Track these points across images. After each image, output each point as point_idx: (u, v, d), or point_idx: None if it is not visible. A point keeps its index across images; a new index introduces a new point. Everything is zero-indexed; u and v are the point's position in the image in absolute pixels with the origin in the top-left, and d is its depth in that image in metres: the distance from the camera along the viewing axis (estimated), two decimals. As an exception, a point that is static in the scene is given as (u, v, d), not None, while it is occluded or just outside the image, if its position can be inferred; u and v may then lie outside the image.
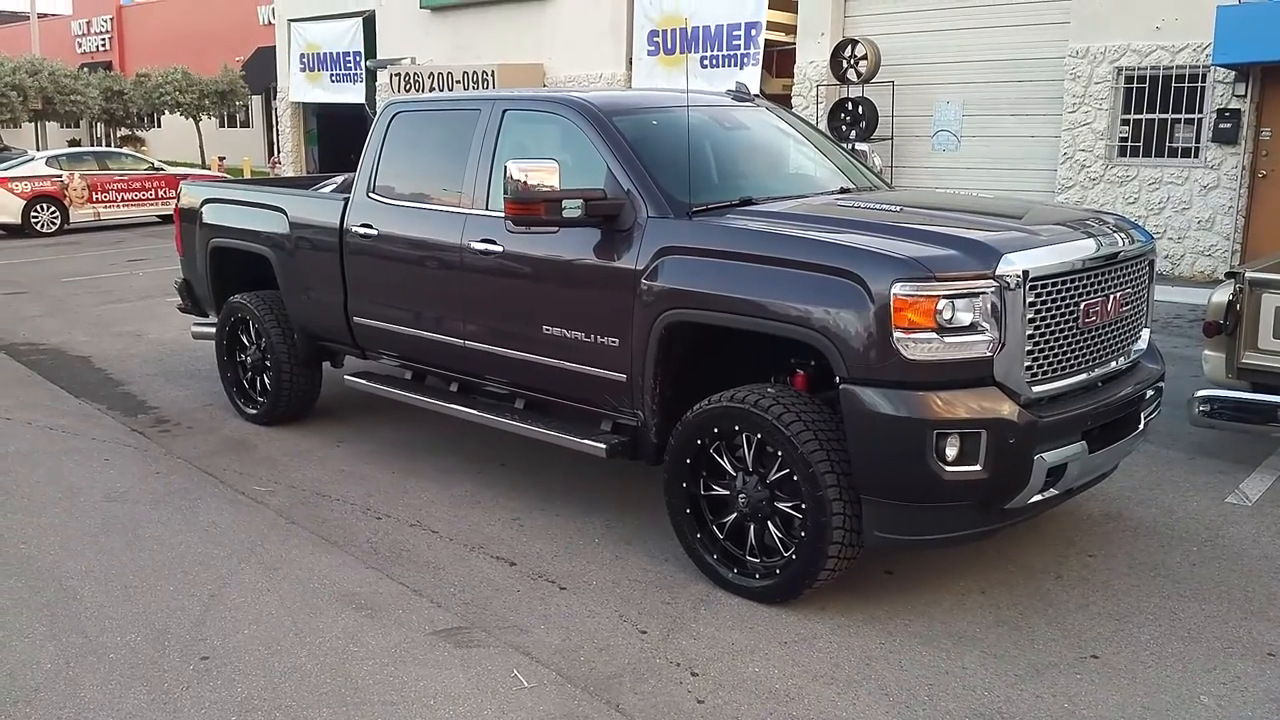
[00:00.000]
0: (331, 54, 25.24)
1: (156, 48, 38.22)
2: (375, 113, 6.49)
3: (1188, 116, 13.18)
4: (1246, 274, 5.92)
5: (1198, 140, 13.12)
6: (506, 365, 5.52)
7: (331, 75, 25.36)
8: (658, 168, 4.97)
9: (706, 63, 17.34)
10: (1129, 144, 13.71)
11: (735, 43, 17.08)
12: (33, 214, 19.46)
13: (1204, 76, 12.92)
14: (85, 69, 36.25)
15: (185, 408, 7.60)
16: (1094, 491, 5.30)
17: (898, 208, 5.12)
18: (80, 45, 44.38)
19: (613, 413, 5.11)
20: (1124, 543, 5.09)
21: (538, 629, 4.28)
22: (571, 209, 4.79)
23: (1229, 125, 12.62)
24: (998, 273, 4.03)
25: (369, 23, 24.19)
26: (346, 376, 6.62)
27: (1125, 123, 13.71)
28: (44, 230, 19.53)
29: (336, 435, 6.89)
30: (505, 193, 4.79)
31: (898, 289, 3.96)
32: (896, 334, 3.98)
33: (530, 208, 4.76)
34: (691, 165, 4.91)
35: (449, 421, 6.26)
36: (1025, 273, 4.09)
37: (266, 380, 7.08)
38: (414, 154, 6.17)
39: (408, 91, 21.07)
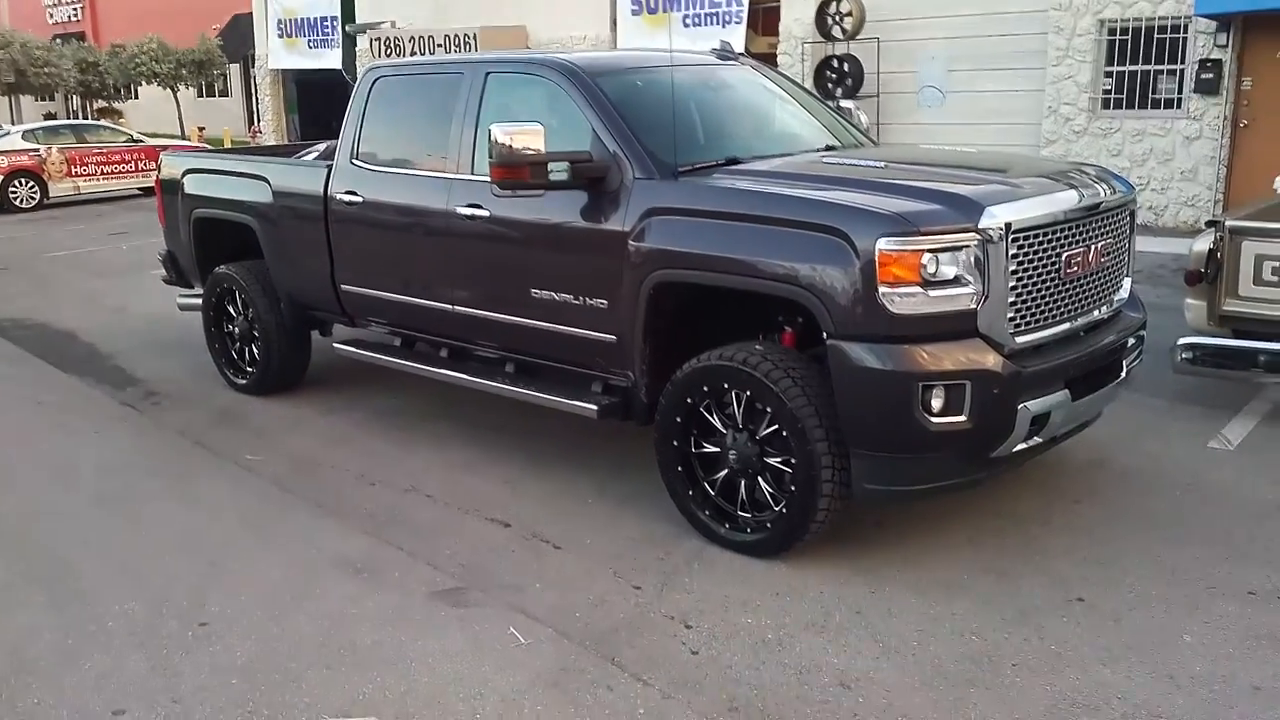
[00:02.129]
0: (309, 19, 24.98)
1: (130, 17, 37.69)
2: (354, 78, 6.45)
3: (1170, 68, 13.18)
4: (1226, 222, 5.97)
5: (1180, 91, 13.12)
6: (496, 329, 5.55)
7: (309, 41, 25.12)
8: (643, 129, 4.98)
9: (689, 21, 17.23)
10: (1112, 96, 13.71)
11: (718, 1, 16.96)
12: (11, 189, 19.28)
13: (1186, 28, 12.90)
14: (58, 40, 35.81)
15: (174, 379, 7.61)
16: (1080, 439, 5.36)
17: (882, 164, 5.14)
18: (51, 16, 43.74)
19: (603, 374, 5.15)
20: (1109, 489, 5.18)
21: (533, 588, 4.34)
22: (557, 172, 4.80)
23: (1211, 76, 12.63)
24: (980, 226, 4.07)
25: (347, -15, 23.94)
26: (336, 344, 6.63)
27: (1108, 75, 13.70)
28: (23, 206, 19.37)
29: (328, 404, 6.92)
30: (490, 157, 4.80)
31: (882, 244, 4.00)
32: (882, 289, 4.01)
33: (515, 171, 4.77)
34: (677, 125, 4.91)
35: (441, 387, 6.28)
36: (1007, 225, 4.13)
37: (255, 350, 7.08)
38: (397, 119, 6.15)
39: (388, 56, 20.88)
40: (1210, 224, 6.17)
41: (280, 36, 25.85)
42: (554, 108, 5.25)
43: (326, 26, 24.55)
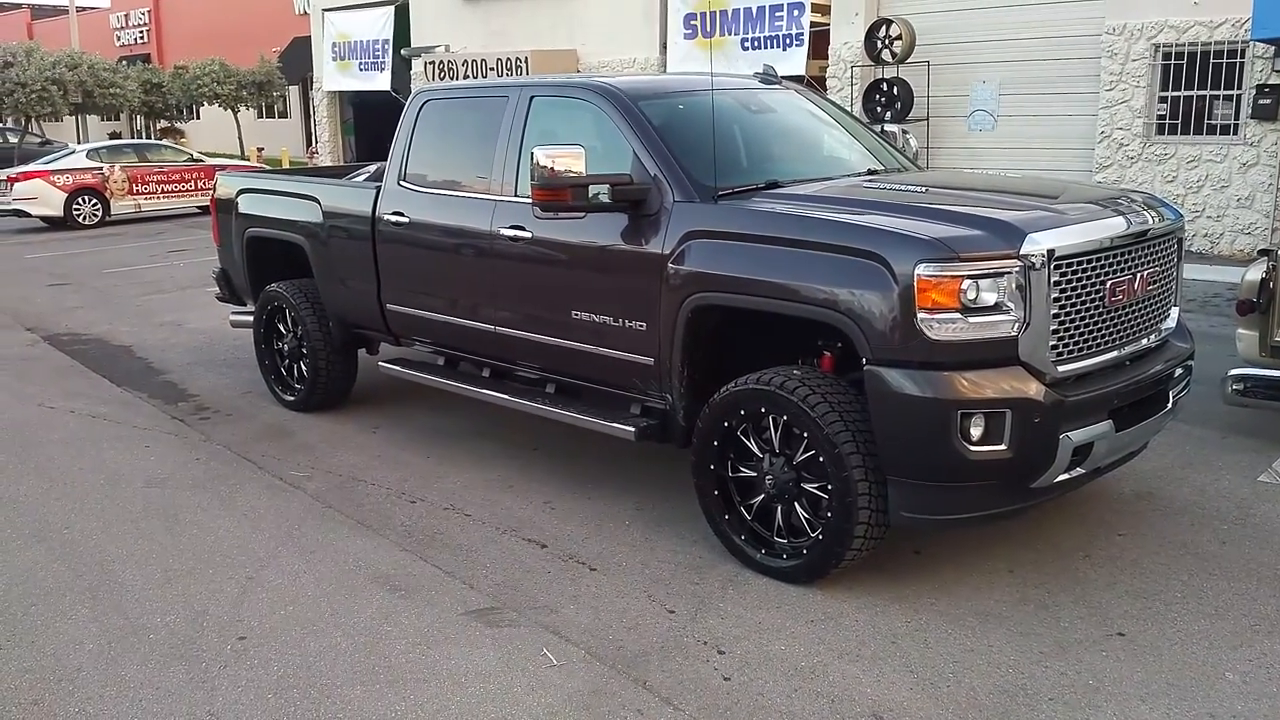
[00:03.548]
0: (361, 42, 25.37)
1: (194, 39, 38.66)
2: (406, 99, 6.55)
3: (1226, 93, 12.97)
4: (1279, 251, 5.86)
5: (1237, 117, 12.90)
6: (537, 350, 5.59)
7: (360, 64, 25.50)
8: (684, 152, 5.00)
9: (748, 45, 17.20)
10: (1167, 121, 13.51)
11: (778, 24, 16.92)
12: (74, 206, 19.77)
13: (1242, 52, 12.70)
14: (124, 62, 36.71)
15: (224, 395, 7.74)
16: (1125, 470, 5.28)
17: (923, 189, 5.12)
18: (119, 38, 44.96)
19: (642, 396, 5.16)
20: (1154, 521, 5.08)
21: (567, 609, 4.35)
22: (598, 194, 4.84)
23: (1268, 101, 12.40)
24: (1022, 252, 4.03)
25: (402, 11, 24.31)
26: (381, 363, 6.72)
27: (1163, 100, 13.51)
28: (86, 222, 19.85)
29: (372, 421, 6.99)
30: (532, 179, 4.85)
31: (921, 270, 3.98)
32: (920, 315, 3.99)
33: (557, 194, 4.81)
34: (717, 149, 4.93)
35: (483, 407, 6.33)
36: (1050, 252, 4.08)
37: (303, 367, 7.19)
38: (444, 141, 6.24)
39: (442, 79, 21.16)
40: (1263, 253, 6.06)
41: (334, 59, 26.29)
42: (596, 130, 5.30)
43: (378, 49, 24.92)
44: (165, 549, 5.03)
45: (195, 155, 22.30)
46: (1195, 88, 13.18)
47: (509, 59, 20.36)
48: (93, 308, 11.57)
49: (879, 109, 15.48)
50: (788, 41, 16.75)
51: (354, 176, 7.81)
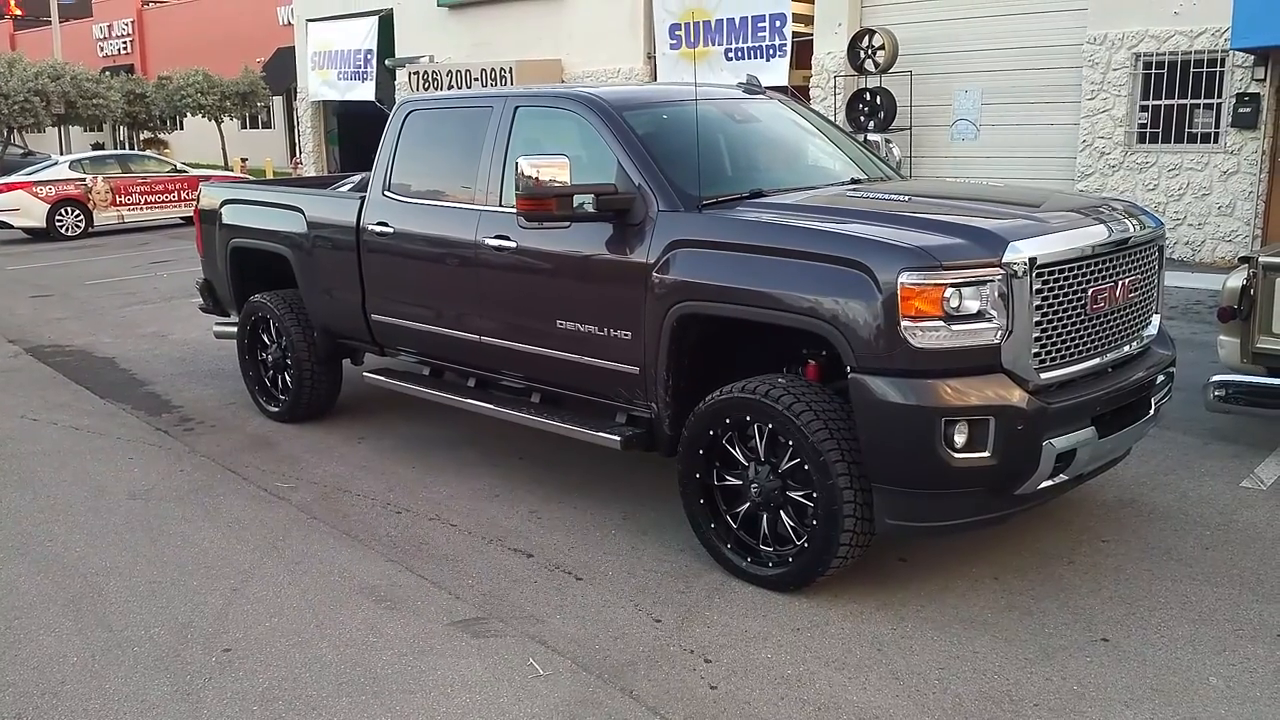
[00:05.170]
0: (342, 52, 25.37)
1: (177, 50, 38.50)
2: (390, 109, 6.54)
3: (1207, 101, 13.09)
4: (1260, 259, 5.92)
5: (1217, 125, 13.02)
6: (522, 360, 5.58)
7: (339, 73, 25.50)
8: (668, 162, 5.02)
9: (731, 55, 17.29)
10: (1148, 130, 13.63)
11: (760, 34, 17.02)
12: (57, 218, 19.67)
13: (1223, 61, 12.82)
14: (107, 72, 36.55)
15: (208, 406, 7.71)
16: (1108, 476, 5.32)
17: (906, 198, 5.14)
18: (102, 49, 44.75)
19: (627, 405, 5.16)
20: (1137, 527, 5.11)
21: (554, 619, 4.34)
22: (582, 204, 4.85)
23: (1248, 110, 12.53)
24: (1004, 260, 4.06)
25: (386, 21, 24.31)
26: (365, 373, 6.70)
27: (1144, 109, 13.63)
28: (69, 234, 19.74)
29: (357, 432, 6.98)
30: (517, 189, 4.85)
31: (905, 278, 4.00)
32: (904, 323, 4.01)
33: (541, 203, 4.82)
34: (702, 158, 4.95)
35: (468, 417, 6.32)
36: (1032, 260, 4.11)
37: (288, 378, 7.16)
38: (428, 152, 6.23)
39: (426, 89, 21.17)
40: (1243, 260, 6.11)
41: (315, 69, 26.28)
42: (581, 140, 5.31)
43: (359, 59, 24.91)
44: (149, 561, 5.01)
45: (179, 166, 22.22)
46: (1176, 96, 13.30)
47: (493, 69, 20.39)
48: (76, 319, 11.51)
49: (862, 118, 15.55)
50: (771, 52, 16.85)
51: (338, 187, 7.80)
